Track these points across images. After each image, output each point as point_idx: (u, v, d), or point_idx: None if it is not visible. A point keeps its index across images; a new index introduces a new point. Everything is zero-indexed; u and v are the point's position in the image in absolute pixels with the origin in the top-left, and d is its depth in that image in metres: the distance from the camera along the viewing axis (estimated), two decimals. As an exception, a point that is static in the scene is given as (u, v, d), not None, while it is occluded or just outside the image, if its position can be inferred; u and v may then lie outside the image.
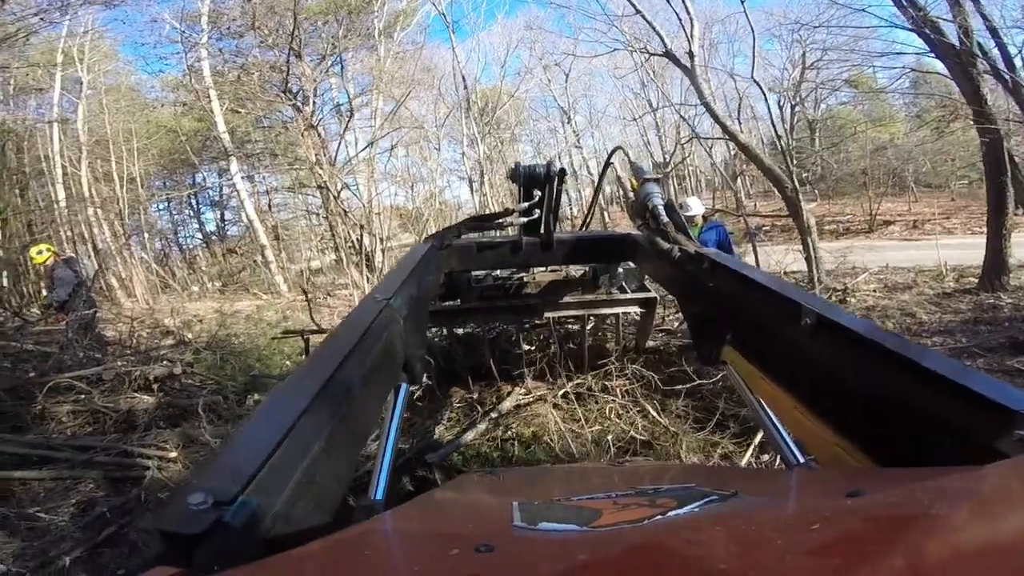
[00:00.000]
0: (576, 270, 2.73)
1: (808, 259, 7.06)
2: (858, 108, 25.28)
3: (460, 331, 3.07)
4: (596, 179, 2.65)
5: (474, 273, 2.48)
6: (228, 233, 22.08)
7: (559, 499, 0.65)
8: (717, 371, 2.78)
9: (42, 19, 8.69)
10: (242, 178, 13.80)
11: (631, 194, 2.11)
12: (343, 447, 0.84)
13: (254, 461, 0.62)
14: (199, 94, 12.57)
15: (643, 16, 7.88)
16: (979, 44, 5.47)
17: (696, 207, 4.54)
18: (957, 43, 5.37)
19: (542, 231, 2.32)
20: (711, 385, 2.90)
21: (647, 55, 9.23)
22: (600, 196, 2.70)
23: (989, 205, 5.62)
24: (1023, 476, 0.46)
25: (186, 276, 16.16)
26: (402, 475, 2.56)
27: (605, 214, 21.42)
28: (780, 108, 25.89)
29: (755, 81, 7.20)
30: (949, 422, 0.70)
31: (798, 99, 24.16)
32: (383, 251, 11.29)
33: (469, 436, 2.78)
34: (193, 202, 22.24)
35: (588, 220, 3.42)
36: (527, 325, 3.16)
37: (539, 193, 2.26)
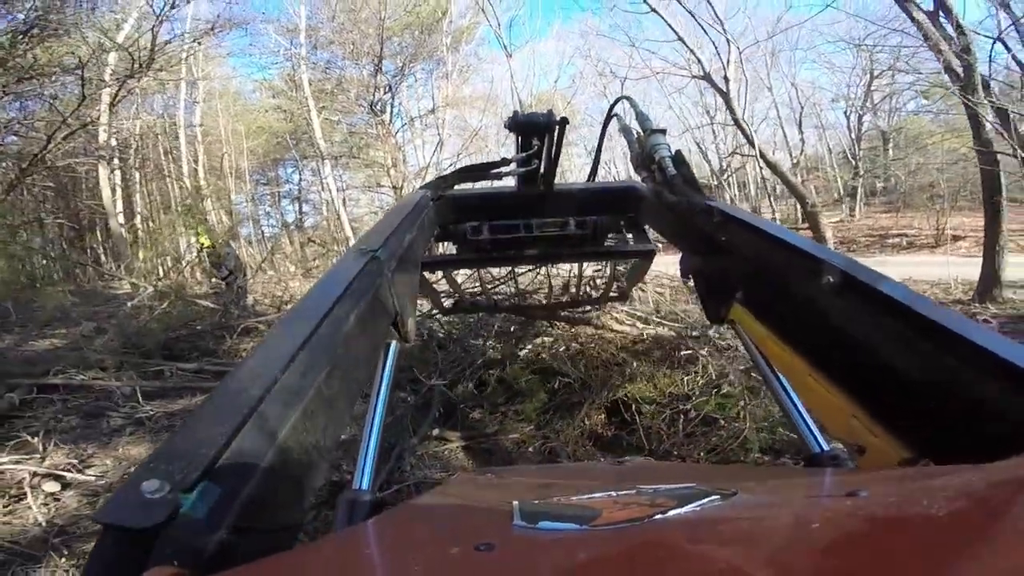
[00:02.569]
0: (577, 221, 2.54)
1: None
2: (937, 118, 24.30)
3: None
4: (608, 120, 2.25)
5: (470, 224, 2.34)
6: (305, 224, 24.62)
7: (559, 498, 0.62)
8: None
9: (198, 42, 10.70)
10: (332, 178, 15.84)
11: (637, 146, 2.01)
12: (325, 417, 0.77)
13: (219, 439, 0.55)
14: (299, 102, 14.63)
15: (684, 43, 8.83)
16: (981, 75, 6.14)
17: None
18: (960, 72, 6.11)
19: (541, 182, 2.23)
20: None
21: (689, 77, 10.12)
22: (602, 148, 2.66)
23: (985, 223, 6.32)
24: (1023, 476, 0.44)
25: (272, 260, 18.51)
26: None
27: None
28: (847, 118, 25.32)
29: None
30: (984, 401, 0.64)
31: (867, 109, 23.62)
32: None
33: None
34: (275, 195, 25.02)
35: (593, 172, 3.19)
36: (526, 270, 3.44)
37: (538, 143, 2.15)
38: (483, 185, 2.40)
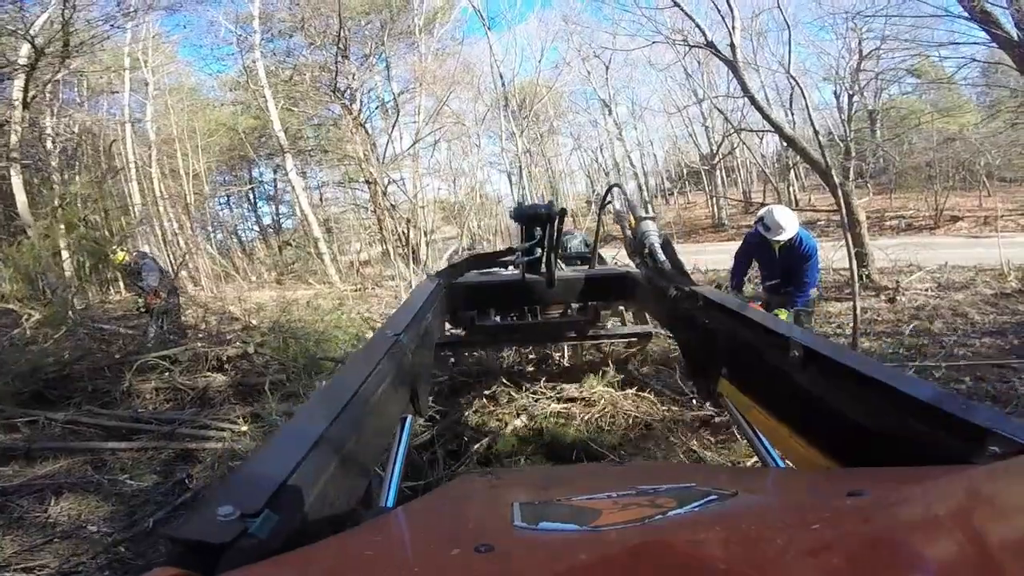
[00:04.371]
0: (578, 306, 2.75)
1: (851, 255, 6.84)
2: (923, 98, 23.70)
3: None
4: (603, 207, 2.99)
5: (477, 311, 2.52)
6: (283, 226, 23.26)
7: (559, 499, 0.66)
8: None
9: (113, 26, 9.38)
10: (296, 174, 14.51)
11: (629, 232, 2.16)
12: (354, 470, 0.90)
13: (276, 478, 0.65)
14: (255, 94, 13.29)
15: (681, 8, 7.77)
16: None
17: (787, 228, 3.38)
18: (1015, 35, 5.10)
19: (544, 269, 2.35)
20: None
21: (688, 47, 9.06)
22: (600, 232, 2.88)
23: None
24: (1022, 475, 0.47)
25: (246, 267, 17.18)
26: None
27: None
28: (837, 98, 24.65)
29: (791, 77, 7.00)
30: (929, 443, 0.75)
31: (856, 89, 22.92)
32: (427, 244, 11.65)
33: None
34: (250, 196, 23.55)
35: (593, 259, 3.25)
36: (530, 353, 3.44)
37: (540, 232, 2.29)
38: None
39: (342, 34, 11.91)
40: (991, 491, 0.43)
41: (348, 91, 13.66)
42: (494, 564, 0.40)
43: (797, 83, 7.00)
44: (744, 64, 7.84)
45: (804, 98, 7.70)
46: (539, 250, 2.31)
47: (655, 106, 26.60)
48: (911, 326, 4.44)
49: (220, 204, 21.41)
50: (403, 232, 11.18)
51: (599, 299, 2.56)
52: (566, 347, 3.48)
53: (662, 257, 1.91)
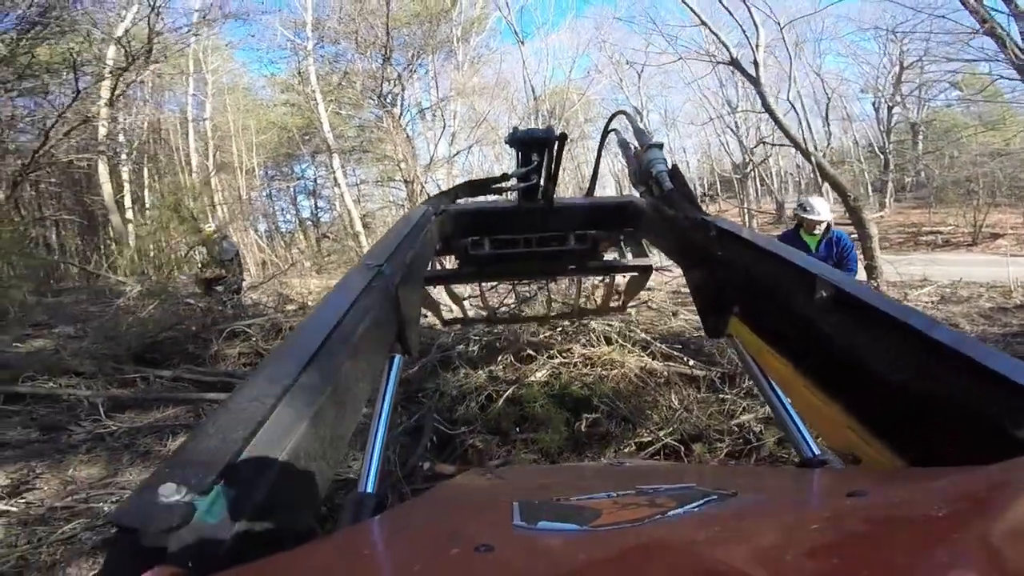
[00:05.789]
0: (576, 235, 2.57)
1: (868, 268, 7.19)
2: (969, 110, 23.10)
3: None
4: (606, 135, 2.37)
5: (471, 239, 2.39)
6: (320, 219, 24.48)
7: (559, 499, 0.64)
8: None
9: (194, 33, 10.45)
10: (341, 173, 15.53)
11: (633, 160, 2.04)
12: (332, 426, 0.79)
13: (231, 446, 0.57)
14: (307, 97, 14.30)
15: (708, 27, 8.23)
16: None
17: (823, 211, 3.72)
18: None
19: (541, 197, 2.25)
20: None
21: (714, 63, 9.49)
22: (601, 163, 2.69)
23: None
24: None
25: (288, 255, 18.33)
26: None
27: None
28: (876, 110, 24.24)
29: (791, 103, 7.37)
30: (975, 409, 0.67)
31: (896, 100, 22.52)
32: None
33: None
34: (291, 190, 24.89)
35: (592, 187, 3.20)
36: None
37: (537, 158, 2.17)
38: (485, 197, 2.42)
39: (389, 44, 12.78)
40: (993, 493, 0.42)
41: (390, 95, 14.55)
42: (494, 564, 0.40)
43: (796, 108, 7.34)
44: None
45: (798, 122, 7.99)
46: (535, 176, 2.19)
47: (688, 113, 26.76)
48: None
49: (264, 197, 22.80)
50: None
51: (600, 228, 2.44)
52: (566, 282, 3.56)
53: (669, 184, 1.79)
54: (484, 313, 3.61)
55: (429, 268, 2.21)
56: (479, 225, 2.31)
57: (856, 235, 7.63)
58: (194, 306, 5.36)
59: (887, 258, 8.65)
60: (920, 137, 24.70)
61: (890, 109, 23.81)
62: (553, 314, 3.80)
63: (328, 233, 20.00)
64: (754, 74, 8.05)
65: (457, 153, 14.55)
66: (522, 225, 2.29)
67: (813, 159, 7.89)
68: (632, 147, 2.09)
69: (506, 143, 2.16)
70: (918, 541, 0.34)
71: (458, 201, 2.29)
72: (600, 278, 3.27)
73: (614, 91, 24.44)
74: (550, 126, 2.22)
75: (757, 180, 27.84)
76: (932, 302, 6.29)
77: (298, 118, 17.78)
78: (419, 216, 1.77)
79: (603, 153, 2.71)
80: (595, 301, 3.47)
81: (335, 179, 15.14)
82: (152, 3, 9.14)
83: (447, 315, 3.07)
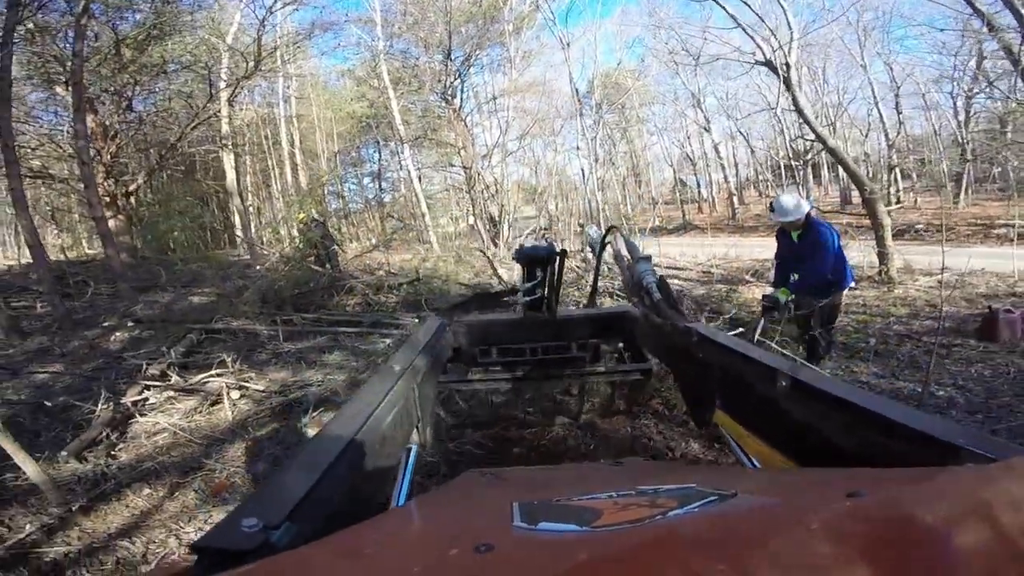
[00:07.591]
0: (578, 344, 2.72)
1: (880, 254, 7.93)
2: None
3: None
4: (603, 248, 3.06)
5: (480, 348, 2.57)
6: (384, 200, 26.54)
7: (559, 499, 0.65)
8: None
9: (297, 45, 12.23)
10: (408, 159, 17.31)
11: (628, 271, 2.29)
12: (364, 494, 1.01)
13: (296, 494, 0.74)
14: (380, 91, 16.03)
15: (744, 30, 8.99)
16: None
17: (790, 210, 3.75)
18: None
19: (545, 309, 2.44)
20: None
21: (751, 64, 10.20)
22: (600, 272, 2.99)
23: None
24: (1022, 476, 0.47)
25: (356, 232, 20.44)
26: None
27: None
28: (954, 99, 23.18)
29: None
30: (910, 462, 0.79)
31: (974, 91, 21.47)
32: (508, 224, 13.83)
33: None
34: (358, 172, 27.08)
35: (592, 297, 3.40)
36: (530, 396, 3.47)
37: (541, 273, 2.38)
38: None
39: (450, 43, 14.24)
40: (991, 492, 0.43)
41: (451, 88, 16.00)
42: (494, 564, 0.41)
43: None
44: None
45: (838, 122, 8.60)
46: (540, 290, 2.40)
47: (749, 100, 26.32)
48: (876, 307, 5.81)
49: (337, 179, 25.07)
50: (491, 214, 13.42)
51: (599, 337, 2.62)
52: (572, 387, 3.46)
53: (658, 295, 2.00)
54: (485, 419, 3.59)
55: (443, 374, 2.32)
56: (487, 336, 2.49)
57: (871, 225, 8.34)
58: (314, 270, 7.15)
59: (913, 249, 9.17)
60: (1008, 127, 23.34)
61: (968, 99, 22.65)
62: (555, 424, 3.59)
63: (392, 213, 21.86)
64: (784, 74, 8.78)
65: (511, 152, 15.94)
66: (527, 335, 2.45)
67: (836, 154, 8.58)
68: (624, 259, 2.29)
69: (513, 260, 2.47)
70: (917, 541, 0.34)
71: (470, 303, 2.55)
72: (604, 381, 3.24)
73: (671, 76, 24.46)
74: (552, 243, 2.49)
75: (826, 167, 27.09)
76: (931, 286, 6.99)
77: (368, 108, 19.62)
78: (436, 327, 2.01)
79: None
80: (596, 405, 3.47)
81: (402, 164, 16.89)
82: (261, 18, 10.93)
83: (452, 421, 3.30)
